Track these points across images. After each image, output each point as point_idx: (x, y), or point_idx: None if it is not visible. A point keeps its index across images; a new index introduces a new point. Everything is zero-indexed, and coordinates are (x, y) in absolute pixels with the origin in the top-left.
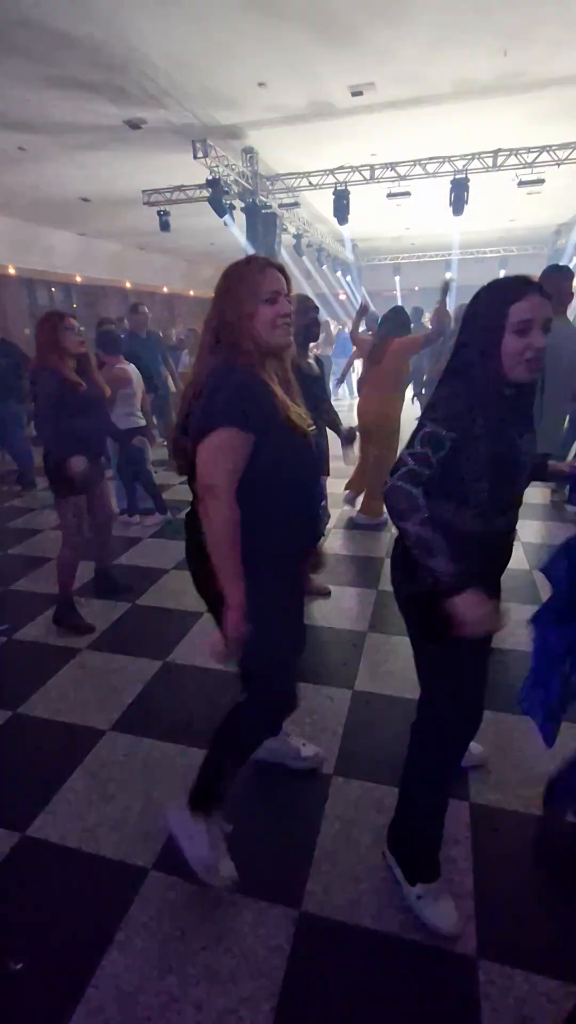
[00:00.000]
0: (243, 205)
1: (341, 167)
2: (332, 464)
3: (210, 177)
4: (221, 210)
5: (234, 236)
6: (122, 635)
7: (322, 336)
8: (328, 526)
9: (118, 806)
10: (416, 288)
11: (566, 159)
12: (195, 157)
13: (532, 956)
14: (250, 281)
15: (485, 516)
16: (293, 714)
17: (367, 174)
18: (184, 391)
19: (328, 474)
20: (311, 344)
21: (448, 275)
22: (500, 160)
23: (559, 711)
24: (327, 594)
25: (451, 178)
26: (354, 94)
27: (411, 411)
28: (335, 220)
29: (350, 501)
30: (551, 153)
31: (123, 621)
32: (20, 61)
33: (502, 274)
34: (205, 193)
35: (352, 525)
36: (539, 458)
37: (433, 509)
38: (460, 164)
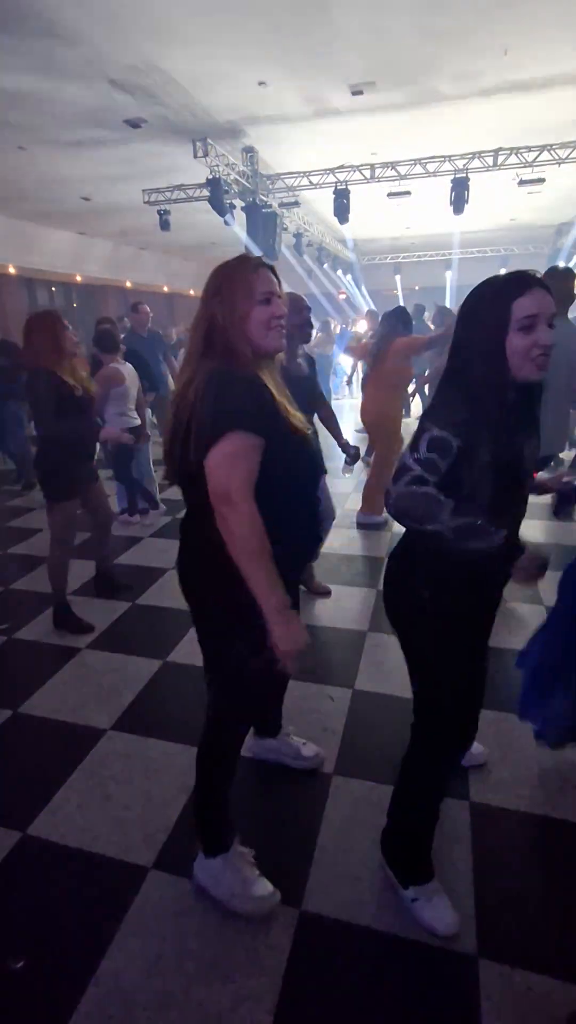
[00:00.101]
0: (243, 204)
1: (341, 166)
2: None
3: (210, 176)
4: (221, 209)
5: (234, 235)
6: (122, 634)
7: (322, 335)
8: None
9: (118, 805)
10: (416, 287)
11: (567, 158)
12: (195, 156)
13: (532, 955)
14: (244, 281)
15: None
16: (293, 714)
17: (367, 173)
18: (176, 397)
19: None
20: (304, 344)
21: None
22: (500, 159)
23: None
24: (327, 594)
25: (451, 177)
26: (354, 93)
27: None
28: (335, 219)
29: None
30: (552, 152)
31: (123, 620)
32: (20, 60)
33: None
34: (205, 192)
35: (353, 524)
36: (541, 464)
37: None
38: (460, 163)
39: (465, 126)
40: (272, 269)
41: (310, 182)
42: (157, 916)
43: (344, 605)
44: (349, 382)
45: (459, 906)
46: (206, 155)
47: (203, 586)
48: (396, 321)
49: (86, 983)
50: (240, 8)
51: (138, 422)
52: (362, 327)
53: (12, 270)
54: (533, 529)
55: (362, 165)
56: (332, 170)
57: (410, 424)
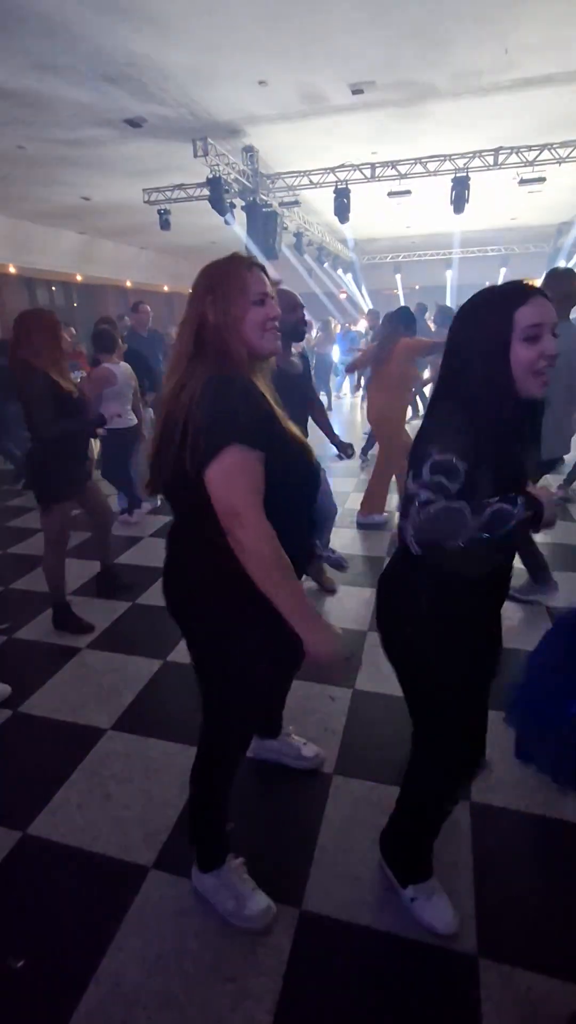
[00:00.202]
0: (243, 204)
1: (342, 165)
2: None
3: (210, 175)
4: (221, 209)
5: (234, 234)
6: (122, 634)
7: (322, 335)
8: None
9: (118, 805)
10: (417, 287)
11: (567, 157)
12: (195, 155)
13: (533, 955)
14: (238, 280)
15: (480, 553)
16: (294, 714)
17: (368, 172)
18: (166, 402)
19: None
20: (297, 342)
21: None
22: (501, 158)
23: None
24: (333, 591)
25: (452, 176)
26: (354, 92)
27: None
28: (336, 218)
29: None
30: (552, 151)
31: (123, 620)
32: (20, 59)
33: (503, 272)
34: (205, 191)
35: (353, 524)
36: (547, 467)
37: (413, 560)
38: (461, 162)
39: (465, 125)
40: (263, 269)
41: (310, 181)
42: (157, 916)
43: (344, 605)
44: (358, 387)
45: (459, 906)
46: (206, 154)
47: (203, 590)
48: (399, 322)
49: (86, 983)
50: (240, 7)
51: (135, 421)
52: (362, 326)
53: (12, 269)
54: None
55: (362, 164)
56: (332, 169)
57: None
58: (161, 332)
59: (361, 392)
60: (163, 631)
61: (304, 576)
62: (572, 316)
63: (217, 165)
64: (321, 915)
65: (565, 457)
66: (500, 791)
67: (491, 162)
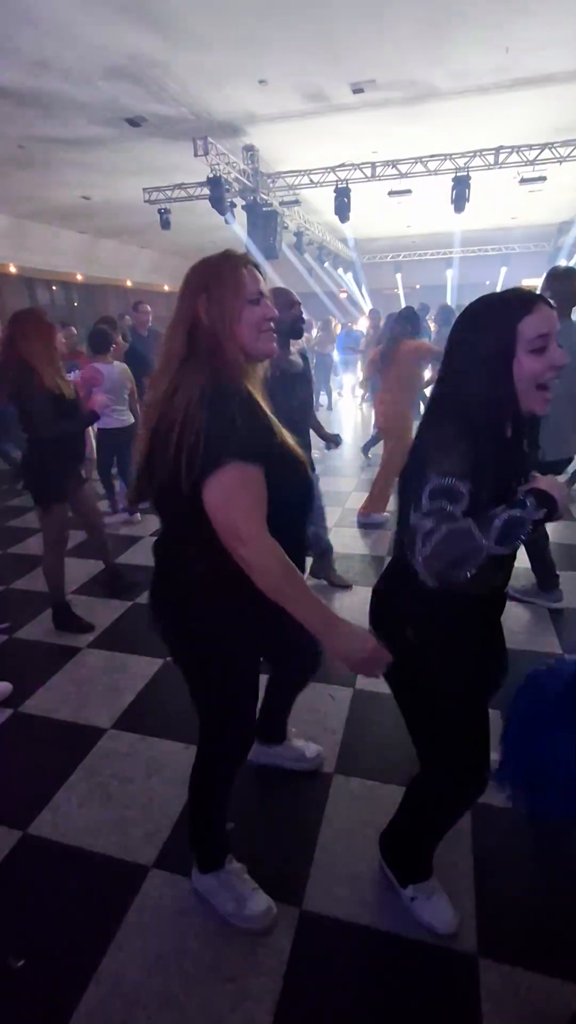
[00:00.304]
0: (244, 203)
1: (342, 164)
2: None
3: (210, 175)
4: (222, 208)
5: (235, 234)
6: (123, 633)
7: (322, 335)
8: (329, 524)
9: (119, 805)
10: (417, 286)
11: (568, 156)
12: (195, 155)
13: (534, 954)
14: (233, 278)
15: (479, 573)
16: (294, 713)
17: (368, 171)
18: (155, 409)
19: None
20: (296, 339)
21: None
22: (502, 157)
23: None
24: (348, 587)
25: (452, 175)
26: (355, 91)
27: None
28: (336, 218)
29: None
30: (553, 150)
31: (124, 619)
32: (20, 58)
33: (503, 271)
34: (205, 191)
35: (354, 524)
36: (559, 467)
37: (407, 575)
38: (461, 161)
39: (466, 124)
40: (258, 266)
41: (311, 180)
42: (158, 916)
43: (345, 604)
44: (363, 389)
45: (460, 906)
46: (206, 153)
47: (203, 590)
48: (404, 323)
49: (86, 982)
50: (240, 6)
51: (131, 421)
52: (363, 325)
53: (13, 269)
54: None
55: (363, 163)
56: (333, 168)
57: None
58: (161, 332)
59: (362, 392)
60: None
61: (313, 576)
62: (573, 316)
63: (217, 164)
64: (321, 915)
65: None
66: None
67: (492, 161)
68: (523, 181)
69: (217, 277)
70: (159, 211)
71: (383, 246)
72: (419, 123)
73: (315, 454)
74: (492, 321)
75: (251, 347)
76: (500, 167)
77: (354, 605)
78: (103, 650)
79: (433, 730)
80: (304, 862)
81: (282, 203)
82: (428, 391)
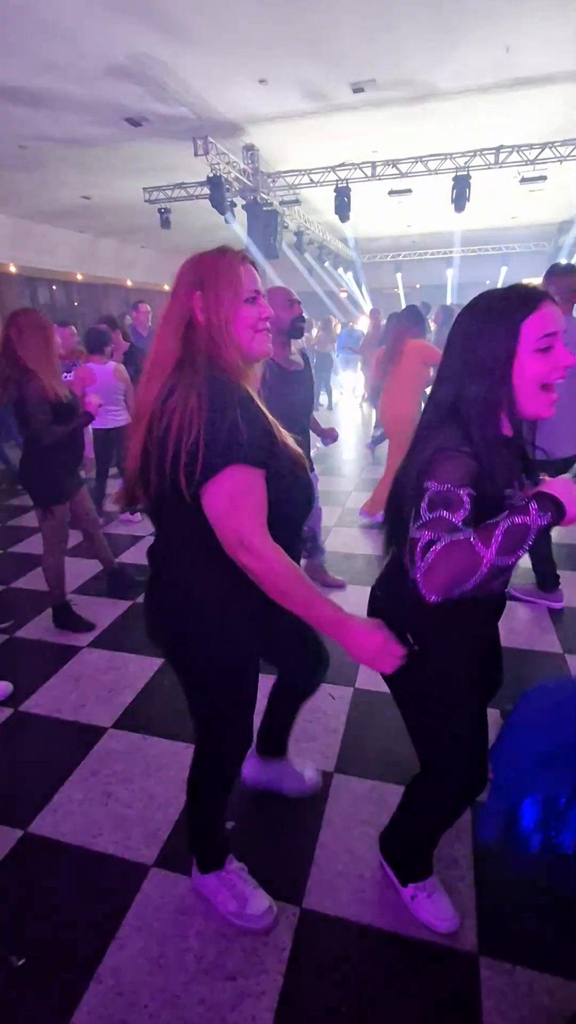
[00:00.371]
0: (244, 202)
1: (342, 164)
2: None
3: (211, 174)
4: (222, 208)
5: (235, 233)
6: (123, 633)
7: (322, 334)
8: (326, 524)
9: (119, 804)
10: (418, 285)
11: (568, 156)
12: (196, 154)
13: (534, 953)
14: (229, 276)
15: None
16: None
17: (368, 171)
18: (149, 411)
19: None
20: (295, 339)
21: None
22: (502, 157)
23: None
24: (341, 586)
25: (453, 175)
26: (355, 90)
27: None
28: (336, 217)
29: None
30: (553, 150)
31: (124, 619)
32: (21, 58)
33: (503, 271)
34: (206, 190)
35: (354, 523)
36: (565, 465)
37: (404, 583)
38: (462, 161)
39: (466, 123)
40: (254, 263)
41: (311, 180)
42: (158, 914)
43: (345, 603)
44: (365, 395)
45: (460, 904)
46: (207, 153)
47: (202, 587)
48: (409, 322)
49: (87, 981)
50: (241, 5)
51: (127, 421)
52: (363, 325)
53: (13, 269)
54: None
55: (363, 163)
56: (333, 168)
57: None
58: None
59: (363, 392)
60: None
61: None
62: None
63: (217, 164)
64: (322, 914)
65: None
66: None
67: (492, 161)
68: (523, 180)
69: (213, 274)
70: (159, 211)
71: (383, 246)
72: (419, 122)
73: (313, 452)
74: (495, 319)
75: (246, 347)
76: (500, 166)
77: (354, 605)
78: (103, 649)
79: (432, 731)
80: (304, 861)
81: (282, 203)
82: (428, 390)
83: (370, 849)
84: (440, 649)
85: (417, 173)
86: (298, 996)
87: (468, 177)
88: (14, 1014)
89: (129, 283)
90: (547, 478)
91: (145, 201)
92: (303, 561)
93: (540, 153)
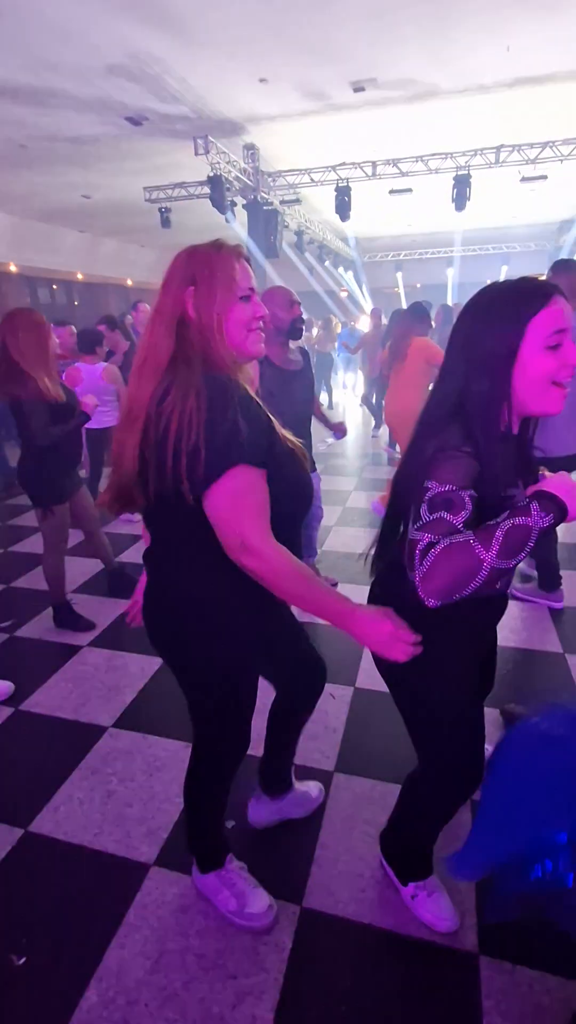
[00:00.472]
0: (244, 202)
1: (343, 163)
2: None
3: (211, 174)
4: (222, 207)
5: (235, 233)
6: (123, 632)
7: (323, 333)
8: (326, 523)
9: (120, 803)
10: (418, 285)
11: (569, 155)
12: (196, 154)
13: (534, 953)
14: (224, 273)
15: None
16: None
17: (369, 170)
18: (144, 411)
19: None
20: (295, 339)
21: None
22: (503, 156)
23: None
24: (334, 586)
25: (453, 174)
26: (356, 90)
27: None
28: (337, 217)
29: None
30: (554, 149)
31: (124, 618)
32: (21, 57)
33: (504, 270)
34: (206, 190)
35: (354, 522)
36: (571, 464)
37: (403, 582)
38: (462, 160)
39: (467, 123)
40: (248, 260)
41: (311, 179)
42: (159, 913)
43: None
44: (374, 402)
45: (460, 904)
46: (207, 152)
47: (202, 585)
48: (413, 319)
49: (88, 980)
50: (241, 5)
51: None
52: (364, 324)
53: (13, 268)
54: None
55: (363, 162)
56: (333, 167)
57: None
58: None
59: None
60: None
61: None
62: None
63: (218, 163)
64: (322, 913)
65: None
66: None
67: (492, 160)
68: (524, 180)
69: (208, 270)
70: (160, 210)
71: (384, 245)
72: (420, 122)
73: (320, 447)
74: (503, 314)
75: (239, 347)
76: (501, 165)
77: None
78: (104, 648)
79: (429, 727)
80: (305, 860)
81: (283, 202)
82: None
83: (370, 848)
84: (439, 646)
85: (417, 172)
86: (298, 995)
87: (468, 176)
88: (15, 1013)
89: (129, 282)
90: (547, 473)
91: (145, 200)
92: None
93: (541, 152)
